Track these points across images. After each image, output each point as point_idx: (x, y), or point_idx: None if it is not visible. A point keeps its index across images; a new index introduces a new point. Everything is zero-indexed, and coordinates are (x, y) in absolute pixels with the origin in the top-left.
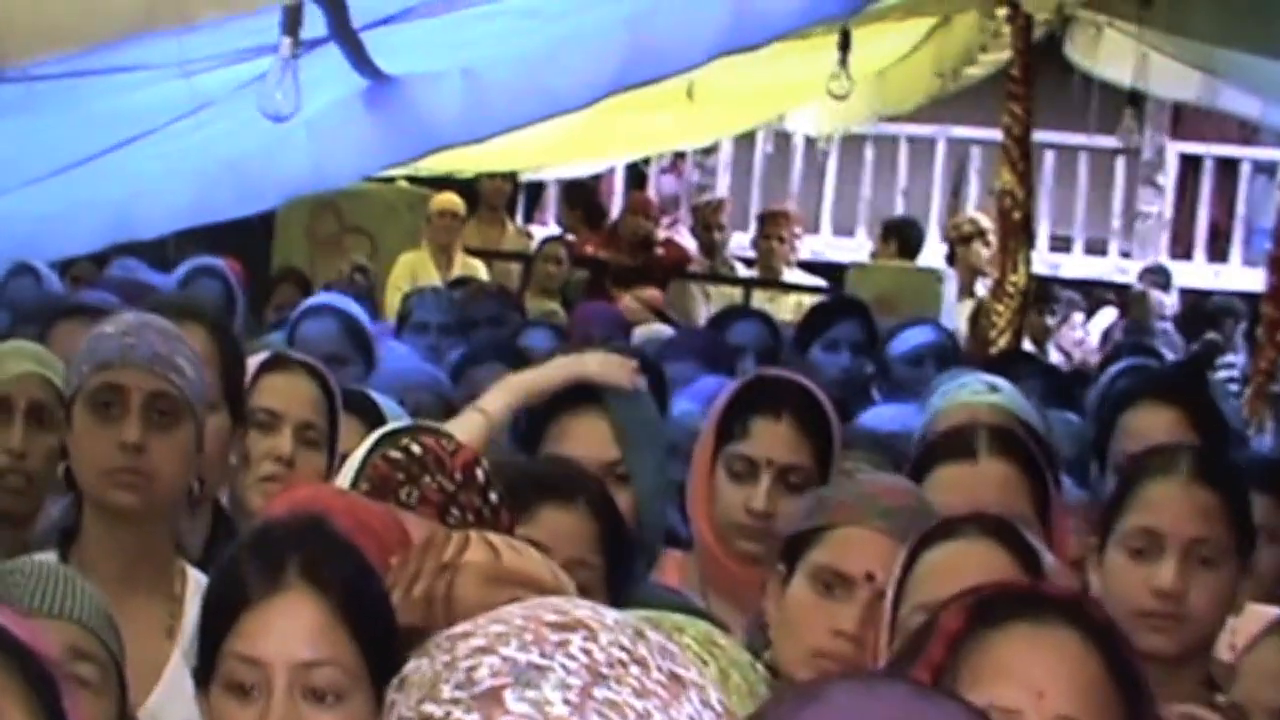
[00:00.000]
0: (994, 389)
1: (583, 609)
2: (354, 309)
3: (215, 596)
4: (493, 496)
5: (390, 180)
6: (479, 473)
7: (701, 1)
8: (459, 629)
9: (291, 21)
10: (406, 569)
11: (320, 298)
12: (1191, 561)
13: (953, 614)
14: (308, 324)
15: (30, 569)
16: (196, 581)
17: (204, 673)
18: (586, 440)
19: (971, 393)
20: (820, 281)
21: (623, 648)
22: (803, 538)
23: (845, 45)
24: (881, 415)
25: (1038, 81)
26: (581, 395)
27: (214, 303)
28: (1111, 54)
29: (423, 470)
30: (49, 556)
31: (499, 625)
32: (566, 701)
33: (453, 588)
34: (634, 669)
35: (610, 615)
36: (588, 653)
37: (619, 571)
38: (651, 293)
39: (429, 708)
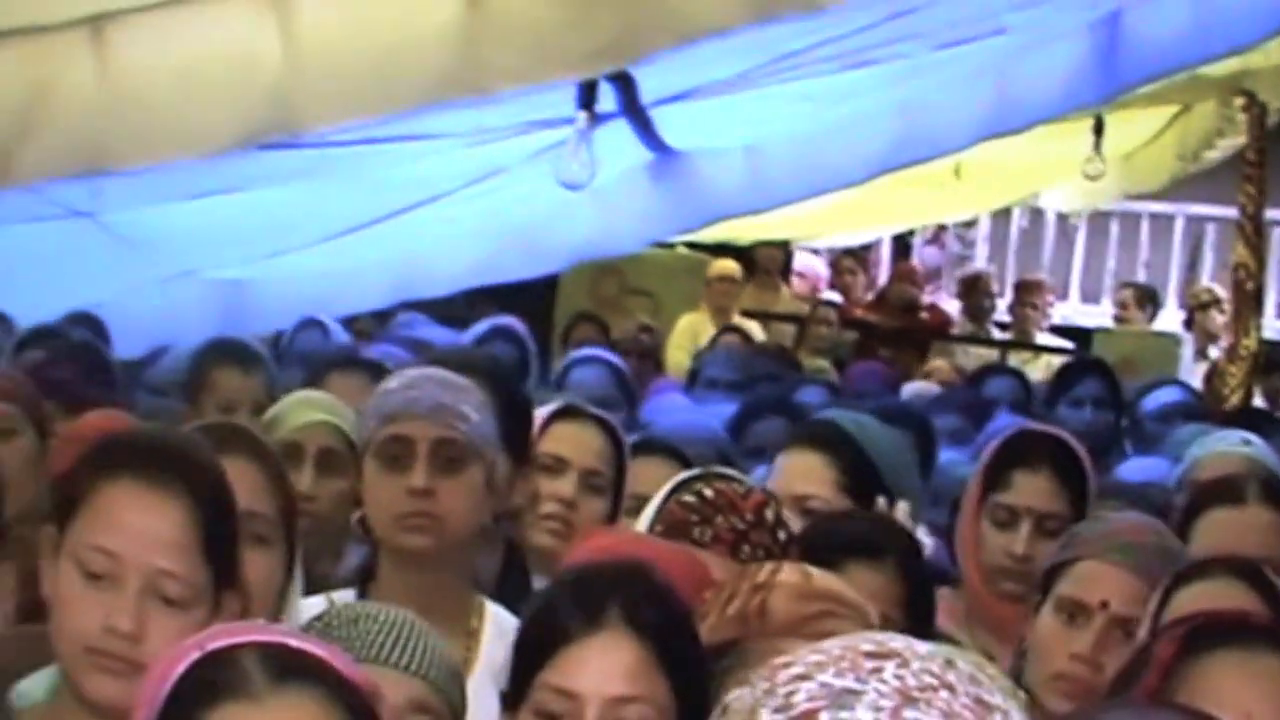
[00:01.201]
0: (1247, 442)
1: (897, 641)
2: (618, 360)
3: (532, 631)
4: (781, 535)
5: (670, 246)
6: (769, 513)
7: (968, 89)
8: (780, 660)
9: (587, 97)
10: (722, 592)
11: (588, 350)
12: None
13: (1166, 643)
14: (579, 371)
15: (382, 618)
16: (494, 615)
17: (514, 698)
18: (802, 476)
19: (1228, 445)
20: (1068, 344)
21: (933, 674)
22: (1053, 571)
23: (1099, 131)
24: (1134, 468)
25: (1270, 163)
26: (808, 435)
27: (495, 357)
28: None
29: (716, 511)
30: (347, 595)
31: (818, 655)
32: None
33: (766, 603)
34: (943, 693)
35: (923, 647)
36: (900, 678)
37: (920, 632)
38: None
39: None
